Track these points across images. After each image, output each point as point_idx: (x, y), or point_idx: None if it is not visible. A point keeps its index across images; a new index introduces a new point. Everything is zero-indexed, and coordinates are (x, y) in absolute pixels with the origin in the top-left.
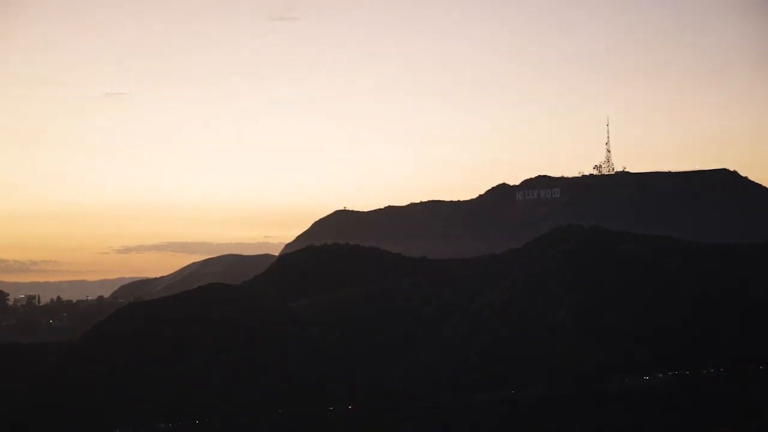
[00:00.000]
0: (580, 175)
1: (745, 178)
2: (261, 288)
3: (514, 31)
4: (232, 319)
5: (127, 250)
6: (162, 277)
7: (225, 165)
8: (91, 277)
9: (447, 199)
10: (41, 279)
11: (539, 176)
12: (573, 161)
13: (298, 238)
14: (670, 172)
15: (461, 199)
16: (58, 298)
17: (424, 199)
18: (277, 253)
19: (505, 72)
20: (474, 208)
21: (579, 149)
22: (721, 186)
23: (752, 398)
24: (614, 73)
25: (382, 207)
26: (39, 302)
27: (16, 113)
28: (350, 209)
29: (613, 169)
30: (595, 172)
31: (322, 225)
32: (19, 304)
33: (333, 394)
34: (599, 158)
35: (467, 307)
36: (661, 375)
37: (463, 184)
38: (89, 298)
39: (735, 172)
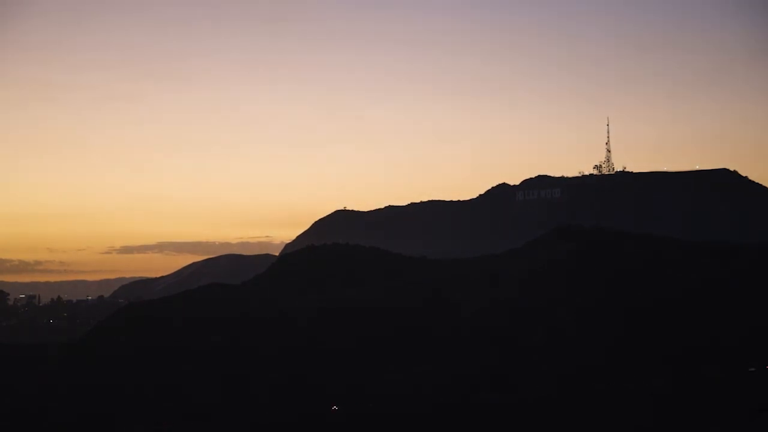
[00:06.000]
0: (580, 175)
1: (745, 178)
2: (261, 288)
3: (514, 31)
4: (233, 319)
5: (127, 250)
6: (162, 277)
7: (225, 165)
8: (91, 277)
9: (447, 199)
10: (41, 279)
11: (539, 176)
12: (573, 161)
13: (298, 238)
14: (670, 172)
15: (461, 199)
16: (58, 298)
17: (424, 199)
18: (277, 253)
19: (505, 72)
20: (474, 208)
21: (579, 149)
22: (721, 186)
23: (752, 398)
24: (614, 73)
25: (382, 207)
26: (39, 302)
27: (17, 114)
28: (350, 209)
29: (613, 169)
30: (595, 172)
31: (322, 225)
32: (19, 304)
33: (333, 394)
34: (599, 158)
35: (467, 307)
36: (661, 375)
37: (463, 184)
38: (89, 298)
39: (735, 172)
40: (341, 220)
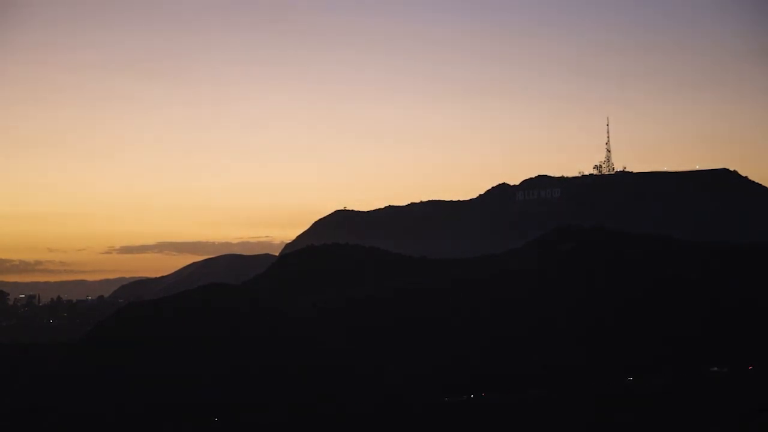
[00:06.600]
0: (580, 175)
1: (745, 178)
2: (261, 288)
3: (514, 31)
4: (232, 319)
5: (127, 250)
6: (162, 277)
7: (225, 165)
8: (91, 277)
9: (447, 199)
10: (41, 279)
11: (539, 176)
12: (573, 161)
13: (298, 238)
14: (670, 172)
15: (461, 199)
16: (58, 298)
17: (424, 199)
18: (277, 253)
19: (505, 72)
20: (474, 208)
21: (579, 149)
22: (721, 186)
23: (752, 398)
24: (614, 73)
25: (382, 207)
26: (39, 302)
27: (17, 114)
28: (350, 209)
29: (613, 169)
30: (595, 172)
31: (322, 225)
32: (19, 304)
33: (333, 393)
34: (599, 158)
35: (467, 306)
36: (661, 374)
37: (463, 184)
38: (89, 298)
39: (735, 172)
40: (341, 220)
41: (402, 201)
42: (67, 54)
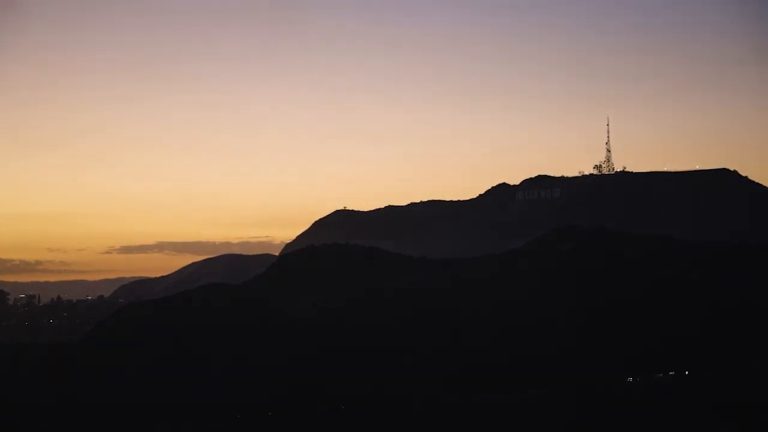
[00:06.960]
0: (580, 175)
1: (745, 178)
2: (261, 288)
3: (514, 31)
4: (232, 319)
5: (127, 250)
6: (162, 277)
7: (225, 165)
8: (91, 277)
9: (447, 199)
10: (41, 279)
11: (539, 176)
12: (573, 161)
13: (298, 238)
14: (670, 172)
15: (461, 199)
16: (58, 298)
17: (424, 199)
18: (277, 253)
19: (505, 72)
20: (474, 208)
21: (579, 149)
22: (721, 186)
23: (752, 398)
24: (614, 73)
25: (382, 207)
26: (39, 302)
27: (17, 114)
28: (350, 209)
29: (613, 169)
30: (595, 172)
31: (322, 225)
32: (19, 304)
33: (333, 393)
34: (599, 158)
35: (467, 306)
36: (660, 375)
37: (463, 184)
38: (89, 298)
39: (735, 172)
40: (341, 220)
41: (402, 201)
42: (68, 54)
